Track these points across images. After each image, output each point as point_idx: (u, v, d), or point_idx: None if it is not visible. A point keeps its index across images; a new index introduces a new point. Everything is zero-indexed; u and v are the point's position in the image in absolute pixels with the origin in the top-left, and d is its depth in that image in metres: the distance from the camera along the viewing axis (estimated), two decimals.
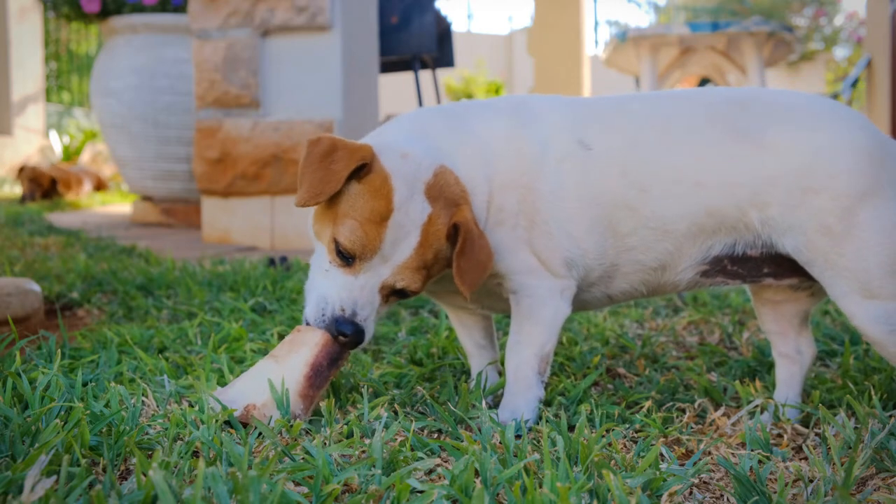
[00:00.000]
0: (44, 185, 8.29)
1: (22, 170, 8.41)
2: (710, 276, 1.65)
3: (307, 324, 1.55)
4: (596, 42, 19.84)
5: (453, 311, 1.88)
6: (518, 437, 1.50)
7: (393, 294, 1.56)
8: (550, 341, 1.64)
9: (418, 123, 1.68)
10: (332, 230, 1.52)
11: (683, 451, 1.48)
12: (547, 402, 1.70)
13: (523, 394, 1.62)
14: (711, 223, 1.58)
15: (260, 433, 1.43)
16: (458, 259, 1.51)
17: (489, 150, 1.62)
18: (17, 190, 9.68)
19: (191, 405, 1.62)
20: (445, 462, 1.36)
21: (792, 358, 1.76)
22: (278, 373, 1.52)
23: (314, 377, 1.51)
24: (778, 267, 1.62)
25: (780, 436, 1.57)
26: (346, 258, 1.51)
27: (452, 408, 1.60)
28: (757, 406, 1.66)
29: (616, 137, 1.63)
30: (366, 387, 1.74)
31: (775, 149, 1.54)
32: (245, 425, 1.48)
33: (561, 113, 1.67)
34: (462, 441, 1.43)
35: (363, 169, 1.51)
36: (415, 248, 1.51)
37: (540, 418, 1.59)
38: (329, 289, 1.53)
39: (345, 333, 1.50)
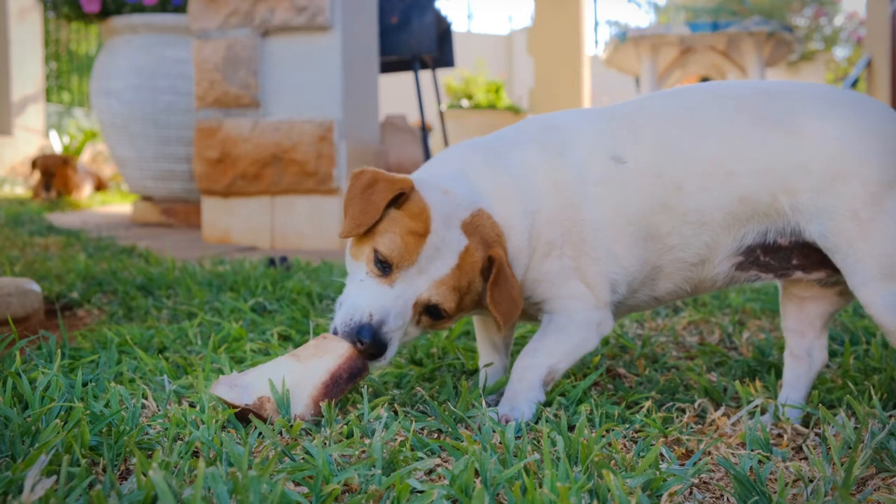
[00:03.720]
0: (56, 174, 8.22)
1: (34, 163, 8.36)
2: (745, 268, 1.67)
3: (335, 332, 1.56)
4: (596, 42, 19.83)
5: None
6: (518, 437, 1.50)
7: (426, 312, 1.57)
8: (566, 361, 1.67)
9: (458, 161, 1.70)
10: (372, 243, 1.55)
11: (683, 451, 1.48)
12: (547, 403, 1.70)
13: (524, 393, 1.63)
14: (744, 210, 1.61)
15: (260, 433, 1.43)
16: (493, 289, 1.55)
17: (529, 186, 1.65)
18: (18, 190, 9.65)
19: (191, 405, 1.62)
20: (445, 462, 1.36)
21: (801, 359, 1.77)
22: (298, 372, 1.52)
23: (331, 386, 1.51)
24: (806, 259, 1.64)
25: (780, 436, 1.57)
26: (384, 267, 1.53)
27: (452, 407, 1.60)
28: (757, 406, 1.66)
29: (647, 142, 1.65)
30: (366, 387, 1.74)
31: (807, 135, 1.56)
32: (252, 417, 1.48)
33: (590, 131, 1.69)
34: (462, 441, 1.43)
35: (402, 197, 1.55)
36: (452, 269, 1.55)
37: (539, 418, 1.59)
38: (361, 297, 1.55)
39: (363, 340, 1.51)
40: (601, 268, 1.66)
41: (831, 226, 1.54)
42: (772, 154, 1.57)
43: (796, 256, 1.65)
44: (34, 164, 8.34)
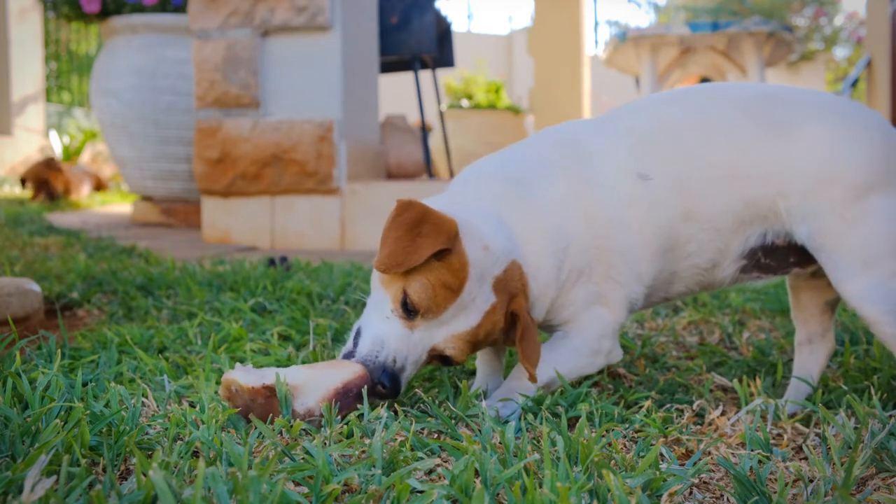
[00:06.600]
0: (49, 179, 8.20)
1: (23, 181, 8.32)
2: (748, 270, 1.74)
3: (349, 356, 1.58)
4: (596, 42, 19.81)
5: None
6: (518, 437, 1.50)
7: (438, 358, 1.60)
8: (567, 377, 1.70)
9: (491, 200, 1.67)
10: (404, 283, 1.54)
11: (683, 451, 1.48)
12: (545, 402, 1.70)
13: (520, 391, 1.65)
14: (748, 214, 1.67)
15: (260, 433, 1.43)
16: (522, 344, 1.58)
17: (561, 224, 1.66)
18: (18, 190, 9.65)
19: (191, 405, 1.62)
20: (445, 462, 1.36)
21: (802, 346, 1.88)
22: (313, 376, 1.53)
23: (342, 394, 1.52)
24: (801, 255, 1.71)
25: (780, 436, 1.57)
26: (409, 312, 1.54)
27: (452, 407, 1.60)
28: (757, 406, 1.66)
29: (667, 154, 1.68)
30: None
31: (799, 141, 1.64)
32: (252, 416, 1.47)
33: (612, 149, 1.70)
34: (462, 441, 1.42)
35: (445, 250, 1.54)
36: (472, 326, 1.57)
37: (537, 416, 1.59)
38: (390, 335, 1.56)
39: (384, 385, 1.54)
40: (625, 291, 1.70)
41: (817, 226, 1.62)
42: (771, 159, 1.64)
43: (793, 255, 1.72)
44: (24, 182, 8.32)
